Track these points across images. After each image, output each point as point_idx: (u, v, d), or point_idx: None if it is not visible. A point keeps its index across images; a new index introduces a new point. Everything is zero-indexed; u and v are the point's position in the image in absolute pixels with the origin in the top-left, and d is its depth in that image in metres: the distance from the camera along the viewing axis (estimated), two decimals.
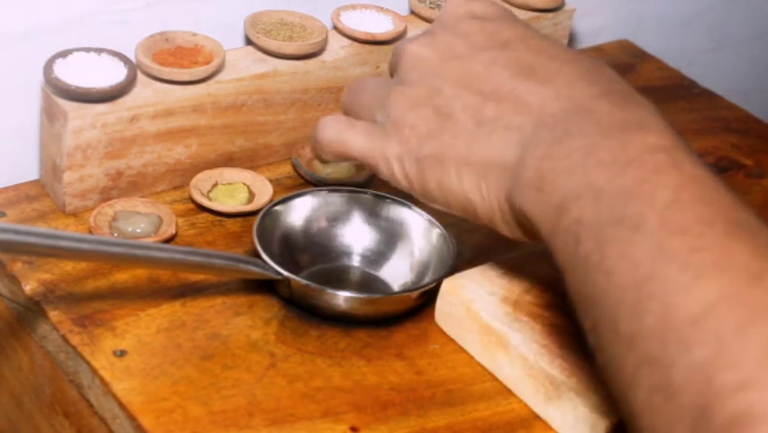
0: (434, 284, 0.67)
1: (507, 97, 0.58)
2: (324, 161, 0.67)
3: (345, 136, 0.63)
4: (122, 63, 0.71)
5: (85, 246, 0.59)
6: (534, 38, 0.61)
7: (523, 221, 0.57)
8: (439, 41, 0.62)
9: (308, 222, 0.72)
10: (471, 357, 0.65)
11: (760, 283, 0.44)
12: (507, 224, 0.59)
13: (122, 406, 0.59)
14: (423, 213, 0.71)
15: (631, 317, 0.47)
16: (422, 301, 0.68)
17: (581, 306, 0.51)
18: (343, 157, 0.64)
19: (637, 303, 0.46)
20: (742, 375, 0.42)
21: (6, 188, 0.73)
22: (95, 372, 0.61)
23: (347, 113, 0.65)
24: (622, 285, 0.47)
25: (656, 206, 0.48)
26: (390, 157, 0.61)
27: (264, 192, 0.74)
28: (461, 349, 0.66)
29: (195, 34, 0.76)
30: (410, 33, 0.83)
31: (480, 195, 0.59)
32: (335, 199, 0.72)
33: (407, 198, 0.72)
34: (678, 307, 0.45)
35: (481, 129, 0.58)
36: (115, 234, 0.69)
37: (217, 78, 0.74)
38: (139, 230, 0.69)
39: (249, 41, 0.78)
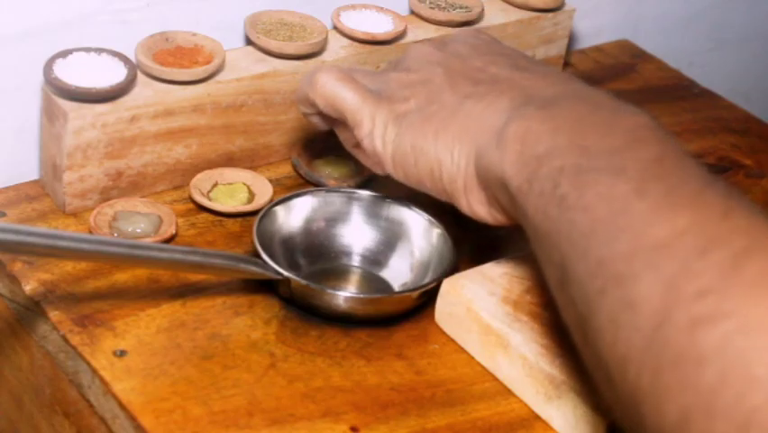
0: (434, 284, 0.67)
1: (501, 82, 0.63)
2: (304, 111, 0.70)
3: (343, 87, 0.66)
4: (122, 63, 0.71)
5: (85, 246, 0.59)
6: (529, 56, 0.68)
7: (486, 182, 0.60)
8: (446, 46, 0.69)
9: (308, 222, 0.72)
10: (471, 357, 0.65)
11: (728, 218, 0.46)
12: (466, 189, 0.62)
13: (122, 406, 0.59)
14: (423, 213, 0.71)
15: (602, 243, 0.49)
16: (422, 301, 0.68)
17: (549, 244, 0.53)
18: (331, 105, 0.67)
19: (610, 231, 0.49)
20: (704, 284, 0.44)
21: (6, 189, 0.73)
22: (95, 372, 0.61)
23: None
24: (596, 217, 0.50)
25: (639, 160, 0.51)
26: (376, 118, 0.65)
27: (264, 192, 0.74)
28: (461, 349, 0.66)
29: (195, 34, 0.76)
30: (410, 33, 0.83)
31: (450, 156, 0.62)
32: (335, 199, 0.72)
33: (407, 198, 0.72)
34: (649, 233, 0.47)
35: (469, 100, 0.63)
36: (115, 234, 0.69)
37: (217, 78, 0.74)
38: (139, 230, 0.69)
39: (249, 41, 0.78)
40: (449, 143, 0.62)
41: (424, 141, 0.63)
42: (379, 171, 0.68)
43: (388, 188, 0.73)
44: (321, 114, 0.69)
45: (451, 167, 0.62)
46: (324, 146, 0.79)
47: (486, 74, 0.65)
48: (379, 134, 0.65)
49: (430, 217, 0.71)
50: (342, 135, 0.70)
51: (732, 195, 0.48)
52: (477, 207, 0.62)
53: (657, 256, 0.46)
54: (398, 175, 0.65)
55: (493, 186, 0.59)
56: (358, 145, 0.68)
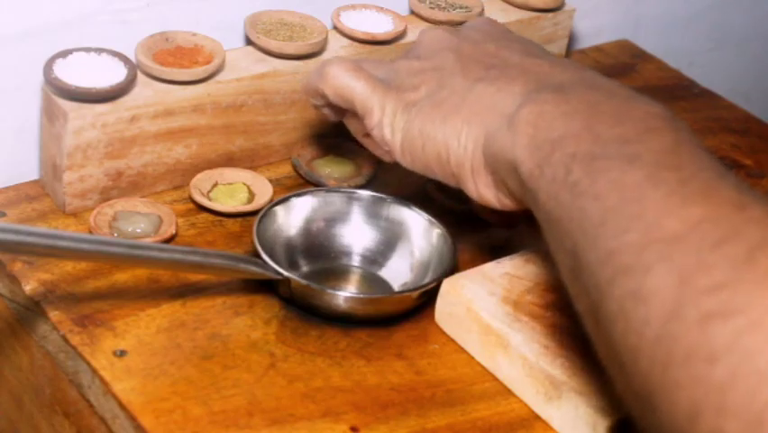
0: (434, 284, 0.67)
1: (513, 67, 0.63)
2: (313, 103, 0.70)
3: (352, 77, 0.66)
4: (122, 63, 0.71)
5: (85, 246, 0.59)
6: (540, 46, 0.67)
7: (495, 166, 0.60)
8: (459, 31, 0.69)
9: (308, 222, 0.71)
10: (471, 357, 0.65)
11: (742, 211, 0.46)
12: (474, 172, 0.62)
13: (122, 406, 0.59)
14: (423, 213, 0.71)
15: (613, 233, 0.48)
16: (422, 301, 0.68)
17: (560, 231, 0.52)
18: (341, 95, 0.67)
19: (621, 221, 0.48)
20: (716, 278, 0.44)
21: (6, 189, 0.73)
22: (95, 372, 0.61)
23: None
24: (608, 206, 0.49)
25: (652, 149, 0.51)
26: (386, 107, 0.65)
27: (264, 192, 0.74)
28: (461, 349, 0.66)
29: (195, 34, 0.76)
30: (410, 33, 0.83)
31: (458, 140, 0.62)
32: (335, 199, 0.72)
33: (407, 198, 0.72)
34: (661, 225, 0.47)
35: (480, 84, 0.63)
36: (115, 234, 0.69)
37: (217, 78, 0.74)
38: (139, 230, 0.69)
39: (249, 41, 0.78)
40: (457, 127, 0.62)
41: (432, 125, 0.63)
42: (387, 159, 0.68)
43: (389, 189, 0.73)
44: (330, 105, 0.69)
45: (458, 150, 0.62)
46: (324, 146, 0.79)
47: (498, 59, 0.64)
48: (388, 123, 0.65)
49: (430, 217, 0.71)
50: (352, 126, 0.70)
51: (744, 188, 0.48)
52: (484, 190, 0.62)
53: (669, 248, 0.46)
54: (406, 161, 0.65)
55: (502, 170, 0.59)
56: (368, 135, 0.68)
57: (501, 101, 0.61)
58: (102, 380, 0.60)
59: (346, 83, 0.66)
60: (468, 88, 0.63)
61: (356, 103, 0.66)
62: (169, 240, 0.70)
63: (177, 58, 0.73)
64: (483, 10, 0.87)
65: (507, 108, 0.59)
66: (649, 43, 1.05)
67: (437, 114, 0.63)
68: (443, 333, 0.67)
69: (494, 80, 0.62)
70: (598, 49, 1.02)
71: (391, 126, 0.65)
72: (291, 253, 0.70)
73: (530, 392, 0.62)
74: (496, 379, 0.64)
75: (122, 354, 0.62)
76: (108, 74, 0.70)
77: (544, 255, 0.70)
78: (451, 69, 0.65)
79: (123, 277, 0.67)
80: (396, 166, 0.66)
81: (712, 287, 0.43)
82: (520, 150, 0.56)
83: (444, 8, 0.85)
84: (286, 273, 0.65)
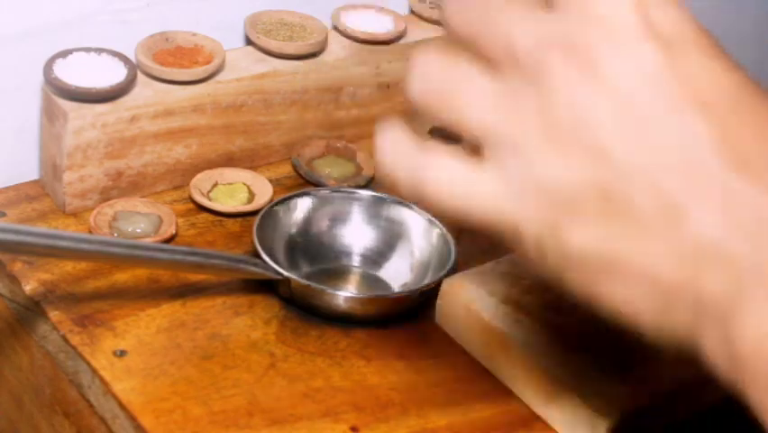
0: (434, 284, 0.67)
1: (710, 191, 0.41)
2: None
3: (469, 189, 0.44)
4: (122, 63, 0.71)
5: (85, 246, 0.59)
6: (745, 94, 0.45)
7: (710, 367, 0.42)
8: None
9: (308, 222, 0.71)
10: (471, 357, 0.65)
11: None
12: (678, 350, 0.44)
13: (122, 406, 0.59)
14: (423, 213, 0.71)
15: None
16: (422, 301, 0.68)
17: None
18: (451, 217, 0.46)
19: None
20: None
21: (6, 189, 0.73)
22: (95, 372, 0.61)
23: (424, 97, 0.45)
24: None
25: None
26: (525, 232, 0.44)
27: (264, 192, 0.74)
28: (462, 349, 0.66)
29: (195, 34, 0.76)
30: (410, 33, 0.83)
31: (659, 323, 0.43)
32: (335, 199, 0.72)
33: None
34: None
35: (671, 232, 0.41)
36: (115, 234, 0.69)
37: (217, 78, 0.74)
38: (139, 230, 0.69)
39: (249, 41, 0.78)
40: (653, 304, 0.42)
41: (612, 290, 0.43)
42: None
43: (388, 189, 0.73)
44: None
45: (653, 329, 0.43)
46: (324, 146, 0.79)
47: (682, 162, 0.41)
48: (534, 253, 0.45)
49: (430, 217, 0.71)
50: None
51: None
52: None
53: None
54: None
55: (713, 372, 0.42)
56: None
57: (705, 280, 0.41)
58: (102, 380, 0.60)
59: (459, 204, 0.45)
60: (654, 237, 0.42)
61: (477, 225, 0.45)
62: (169, 240, 0.70)
63: (177, 58, 0.73)
64: None
65: (714, 295, 0.41)
66: None
67: (619, 273, 0.43)
68: (444, 333, 0.67)
69: (688, 229, 0.41)
70: None
71: (541, 258, 0.45)
72: (291, 253, 0.70)
73: (530, 392, 0.62)
74: (496, 379, 0.64)
75: (122, 354, 0.62)
76: (108, 74, 0.70)
77: None
78: (613, 157, 0.41)
79: (123, 277, 0.67)
80: None
81: None
82: (741, 378, 0.40)
83: None
84: (286, 273, 0.65)
